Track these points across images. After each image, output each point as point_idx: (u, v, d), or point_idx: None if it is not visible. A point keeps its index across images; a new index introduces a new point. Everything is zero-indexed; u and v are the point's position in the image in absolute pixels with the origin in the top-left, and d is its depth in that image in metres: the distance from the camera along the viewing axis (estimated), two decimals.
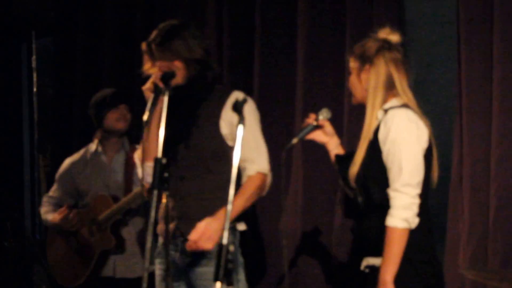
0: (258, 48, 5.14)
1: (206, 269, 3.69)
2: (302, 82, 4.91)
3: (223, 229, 3.39)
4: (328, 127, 3.75)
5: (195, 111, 3.80)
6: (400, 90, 3.59)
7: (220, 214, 3.64)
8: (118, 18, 5.93)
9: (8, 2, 6.72)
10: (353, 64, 3.66)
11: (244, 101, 3.01)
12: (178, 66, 3.67)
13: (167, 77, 3.51)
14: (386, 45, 3.61)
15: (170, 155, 3.73)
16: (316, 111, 3.77)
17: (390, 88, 3.58)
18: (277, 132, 4.65)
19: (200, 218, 3.70)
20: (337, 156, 3.76)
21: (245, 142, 3.65)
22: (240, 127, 2.96)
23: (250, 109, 3.74)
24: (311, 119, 3.71)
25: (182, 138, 3.80)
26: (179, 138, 3.79)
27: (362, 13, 4.73)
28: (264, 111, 3.95)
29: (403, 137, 3.48)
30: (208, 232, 3.62)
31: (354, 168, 3.54)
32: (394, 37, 3.65)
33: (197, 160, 3.78)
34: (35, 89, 6.75)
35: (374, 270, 3.55)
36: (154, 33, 3.76)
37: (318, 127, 3.72)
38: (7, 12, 6.71)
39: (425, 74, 4.85)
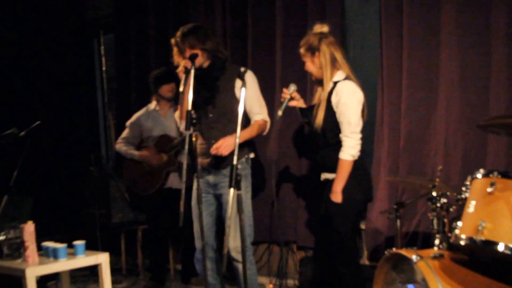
0: (250, 45, 5.03)
1: (224, 184, 3.75)
2: (280, 65, 4.85)
3: (235, 143, 3.28)
4: (297, 96, 3.76)
5: (216, 83, 3.76)
6: (341, 63, 3.63)
7: (234, 135, 3.58)
8: (157, 19, 5.80)
9: (84, 11, 6.69)
10: (305, 56, 3.66)
11: (245, 71, 3.08)
12: (198, 53, 3.62)
13: (192, 57, 3.50)
14: (323, 35, 3.62)
15: (202, 113, 3.81)
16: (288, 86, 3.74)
17: (334, 63, 3.62)
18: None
19: (228, 154, 3.70)
20: (301, 109, 3.80)
21: (251, 99, 3.69)
22: (243, 89, 3.02)
23: (252, 77, 3.76)
24: (285, 94, 3.68)
25: (209, 102, 3.77)
26: (208, 101, 3.78)
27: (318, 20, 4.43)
28: None
29: (350, 102, 3.55)
30: (226, 143, 3.62)
31: (319, 121, 3.60)
32: (325, 28, 3.66)
33: (222, 115, 3.76)
34: (104, 69, 6.64)
35: (329, 181, 3.67)
36: (178, 32, 3.72)
37: (291, 98, 3.71)
38: (84, 18, 6.69)
39: (360, 52, 4.89)
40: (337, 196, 3.54)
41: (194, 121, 3.21)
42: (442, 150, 4.01)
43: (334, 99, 3.58)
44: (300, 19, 4.73)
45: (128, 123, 5.23)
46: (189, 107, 3.23)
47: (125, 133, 5.22)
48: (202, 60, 3.70)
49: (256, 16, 5.01)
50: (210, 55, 3.71)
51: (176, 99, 4.95)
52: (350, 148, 3.53)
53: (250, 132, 3.75)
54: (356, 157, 3.56)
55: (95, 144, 6.69)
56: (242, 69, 3.53)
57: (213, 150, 3.67)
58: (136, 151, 5.12)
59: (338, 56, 3.63)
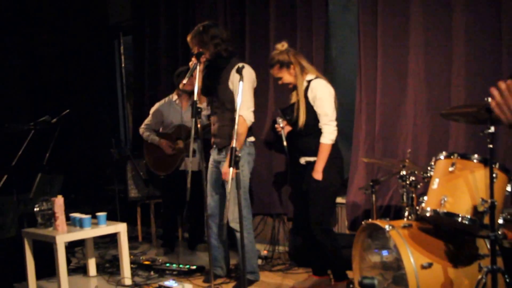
0: (248, 45, 4.94)
1: (223, 163, 3.74)
2: (273, 81, 4.72)
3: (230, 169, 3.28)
4: (285, 122, 3.72)
5: (219, 75, 3.75)
6: (308, 67, 3.63)
7: (227, 161, 3.58)
8: (168, 24, 5.73)
9: (106, 16, 6.66)
10: (280, 72, 3.63)
11: (243, 67, 3.03)
12: (204, 51, 3.61)
13: (198, 54, 3.47)
14: (287, 50, 3.62)
15: (210, 99, 3.80)
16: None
17: (303, 69, 3.62)
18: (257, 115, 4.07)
19: (223, 136, 3.74)
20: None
21: (236, 94, 3.60)
22: (241, 83, 2.93)
23: (246, 73, 3.66)
24: (279, 127, 3.67)
25: (213, 91, 3.79)
26: (212, 91, 3.79)
27: (305, 26, 4.55)
28: None
29: (324, 96, 3.55)
30: (223, 171, 3.67)
31: (301, 116, 3.58)
32: (286, 45, 3.64)
33: (222, 103, 3.75)
34: (123, 65, 6.67)
35: (310, 163, 3.65)
36: (192, 32, 3.70)
37: (283, 127, 3.69)
38: (107, 22, 6.67)
39: (341, 53, 4.88)
40: (318, 174, 3.55)
41: (199, 109, 3.17)
42: (411, 135, 4.00)
43: (310, 95, 3.58)
44: (290, 24, 4.69)
45: (151, 111, 5.12)
46: (195, 98, 3.18)
47: (148, 120, 5.12)
48: (207, 57, 3.66)
49: (253, 18, 4.95)
50: (214, 53, 3.67)
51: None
52: (329, 133, 3.55)
53: (239, 136, 3.62)
54: (334, 141, 3.58)
55: (115, 129, 6.69)
56: (240, 65, 3.47)
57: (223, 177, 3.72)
58: (157, 137, 5.01)
59: (304, 62, 3.64)
